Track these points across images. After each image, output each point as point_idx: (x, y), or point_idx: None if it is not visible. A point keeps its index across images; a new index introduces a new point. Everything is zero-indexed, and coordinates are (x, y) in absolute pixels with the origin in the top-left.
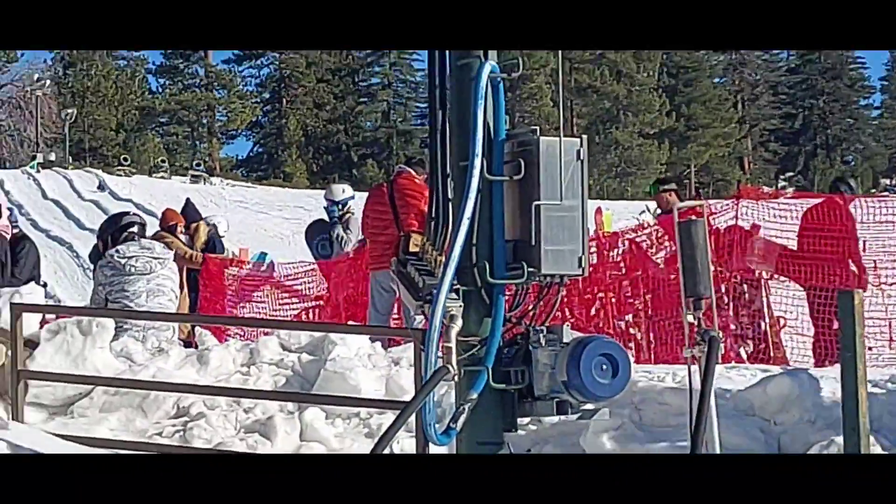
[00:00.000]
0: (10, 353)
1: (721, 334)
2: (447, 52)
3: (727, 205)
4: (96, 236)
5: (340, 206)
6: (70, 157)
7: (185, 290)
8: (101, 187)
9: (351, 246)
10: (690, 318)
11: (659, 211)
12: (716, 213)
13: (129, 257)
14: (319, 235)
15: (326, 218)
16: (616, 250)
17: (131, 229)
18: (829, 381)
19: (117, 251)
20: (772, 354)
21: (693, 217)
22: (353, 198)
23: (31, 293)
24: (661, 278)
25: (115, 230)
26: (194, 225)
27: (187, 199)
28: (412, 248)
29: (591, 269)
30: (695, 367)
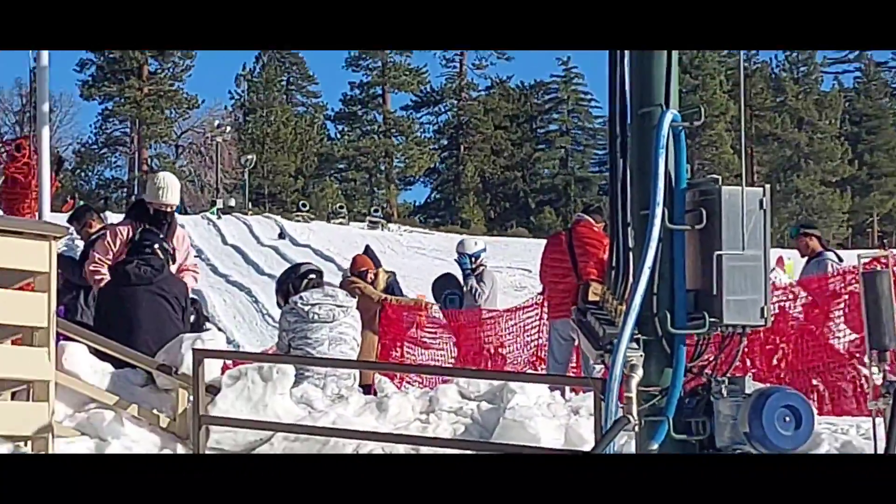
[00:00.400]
0: (191, 398)
1: None
2: (628, 100)
3: None
4: (275, 287)
5: (473, 259)
6: (249, 203)
7: (376, 335)
8: (282, 235)
9: (484, 299)
10: (875, 370)
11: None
12: None
13: (313, 304)
14: (447, 290)
15: (458, 271)
16: (798, 300)
17: (311, 276)
18: None
19: (301, 298)
20: None
21: (877, 267)
22: (485, 250)
23: (212, 339)
24: (842, 329)
25: (295, 278)
26: (374, 271)
27: (367, 246)
28: (591, 297)
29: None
30: (879, 420)
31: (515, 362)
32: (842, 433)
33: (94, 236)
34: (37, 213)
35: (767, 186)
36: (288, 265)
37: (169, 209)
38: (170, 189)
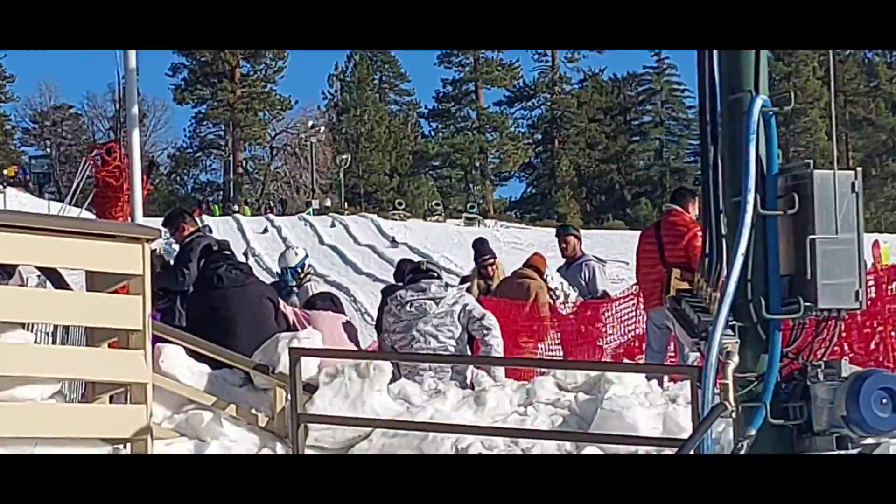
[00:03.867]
0: (289, 397)
1: None
2: (717, 87)
3: None
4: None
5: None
6: (345, 203)
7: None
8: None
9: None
10: None
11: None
12: None
13: (406, 302)
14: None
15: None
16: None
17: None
18: None
19: (396, 297)
20: None
21: None
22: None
23: (308, 338)
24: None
25: (403, 277)
26: (493, 262)
27: (481, 239)
28: (676, 284)
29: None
30: None
31: (614, 353)
32: None
33: (188, 239)
34: (129, 217)
35: (860, 170)
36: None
37: None
38: None
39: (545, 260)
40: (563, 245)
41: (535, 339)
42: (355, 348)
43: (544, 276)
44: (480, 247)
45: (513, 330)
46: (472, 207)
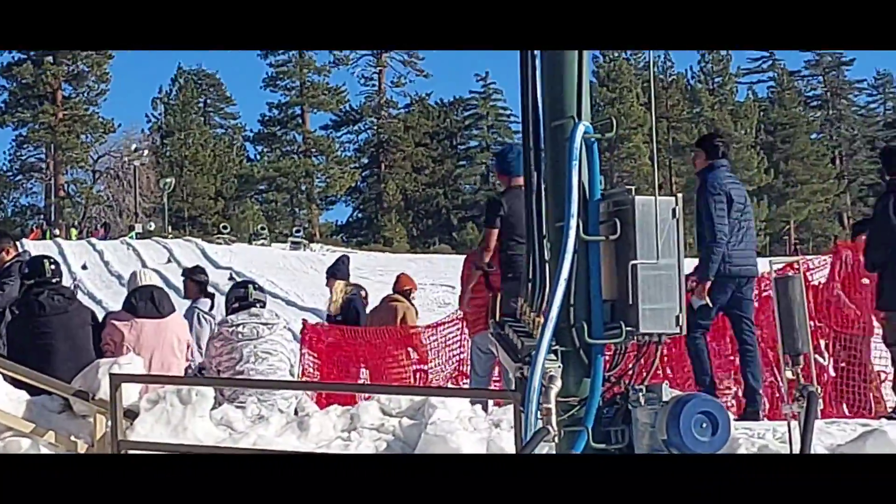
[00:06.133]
0: (110, 423)
1: (820, 390)
2: (540, 113)
3: (824, 260)
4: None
5: None
6: (169, 227)
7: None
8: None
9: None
10: (789, 374)
11: None
12: (813, 269)
13: (237, 325)
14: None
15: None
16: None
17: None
18: None
19: (225, 321)
20: (873, 409)
21: (790, 273)
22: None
23: (129, 363)
24: (761, 335)
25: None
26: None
27: (340, 259)
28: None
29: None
30: (794, 423)
31: (438, 378)
32: (758, 437)
33: (7, 264)
34: None
35: (681, 196)
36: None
37: None
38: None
39: (412, 280)
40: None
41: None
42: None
43: (411, 298)
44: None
45: (379, 355)
46: (297, 231)
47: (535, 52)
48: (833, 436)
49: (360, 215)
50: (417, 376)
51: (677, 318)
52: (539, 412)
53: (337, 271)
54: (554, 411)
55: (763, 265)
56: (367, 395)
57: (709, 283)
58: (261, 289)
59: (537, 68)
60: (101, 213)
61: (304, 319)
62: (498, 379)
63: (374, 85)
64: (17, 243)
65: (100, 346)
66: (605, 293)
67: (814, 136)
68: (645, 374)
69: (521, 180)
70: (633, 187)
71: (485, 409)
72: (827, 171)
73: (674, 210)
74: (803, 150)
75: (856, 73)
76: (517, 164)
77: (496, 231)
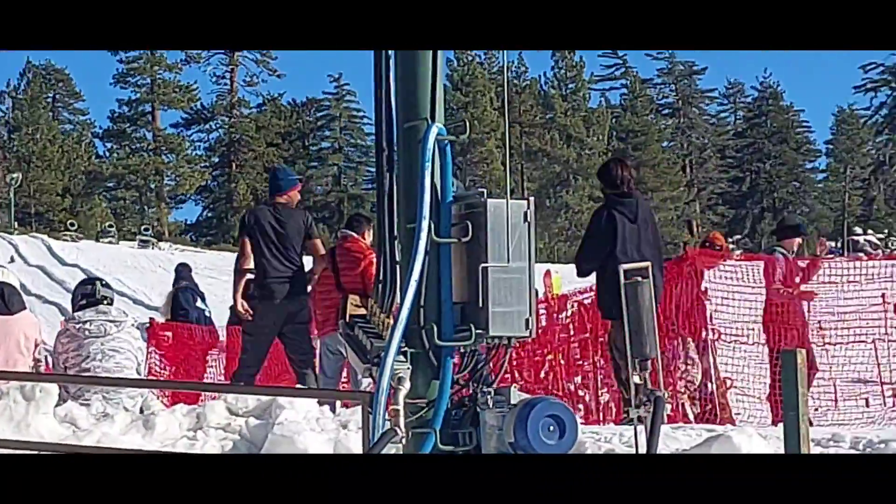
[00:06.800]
0: None
1: (667, 395)
2: (394, 114)
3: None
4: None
5: None
6: (15, 222)
7: None
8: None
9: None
10: (637, 378)
11: None
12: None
13: (84, 322)
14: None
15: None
16: (565, 312)
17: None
18: (774, 441)
19: (73, 318)
20: (718, 415)
21: (639, 279)
22: None
23: None
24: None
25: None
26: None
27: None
28: (351, 310)
29: (540, 331)
30: (641, 428)
31: (287, 378)
32: (605, 441)
33: None
34: None
35: (532, 199)
36: (55, 285)
37: None
38: None
39: None
40: None
41: None
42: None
43: None
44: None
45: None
46: (146, 230)
47: (389, 52)
48: (679, 441)
49: (209, 214)
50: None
51: (527, 321)
52: (387, 413)
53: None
54: (402, 413)
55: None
56: (213, 394)
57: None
58: (108, 286)
59: (391, 69)
60: None
61: (151, 318)
62: (347, 380)
63: (226, 84)
64: None
65: None
66: (455, 295)
67: (665, 143)
68: (494, 376)
69: (281, 197)
70: (485, 190)
71: (333, 409)
72: (677, 178)
73: (525, 214)
74: (654, 157)
75: (707, 82)
76: (279, 183)
77: (248, 240)
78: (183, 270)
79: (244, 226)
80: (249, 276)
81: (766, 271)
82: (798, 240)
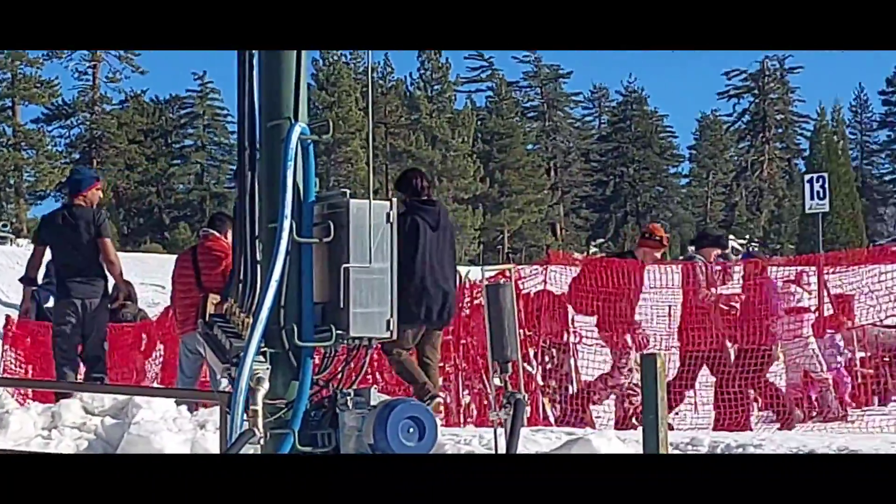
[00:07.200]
0: None
1: (527, 397)
2: (257, 113)
3: (536, 270)
4: None
5: None
6: None
7: None
8: None
9: None
10: (497, 381)
11: None
12: (525, 278)
13: None
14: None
15: None
16: None
17: None
18: (633, 444)
19: None
20: (579, 417)
21: (501, 281)
22: None
23: None
24: (472, 342)
25: None
26: None
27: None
28: (210, 309)
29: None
30: (501, 430)
31: (147, 377)
32: (465, 443)
33: None
34: None
35: (395, 200)
36: None
37: None
38: None
39: None
40: None
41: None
42: None
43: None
44: None
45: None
46: (4, 226)
47: (253, 52)
48: (539, 443)
49: None
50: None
51: (388, 322)
52: (245, 414)
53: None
54: (261, 413)
55: (475, 273)
56: (69, 392)
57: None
58: None
59: (255, 68)
60: None
61: (7, 315)
62: (207, 380)
63: (88, 80)
64: None
65: None
66: (316, 296)
67: (530, 146)
68: (354, 378)
69: (78, 198)
70: (347, 190)
71: (191, 409)
72: (541, 181)
73: (388, 214)
74: (519, 160)
75: (573, 85)
76: (77, 184)
77: (39, 248)
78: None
79: (37, 233)
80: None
81: (687, 278)
82: (717, 251)
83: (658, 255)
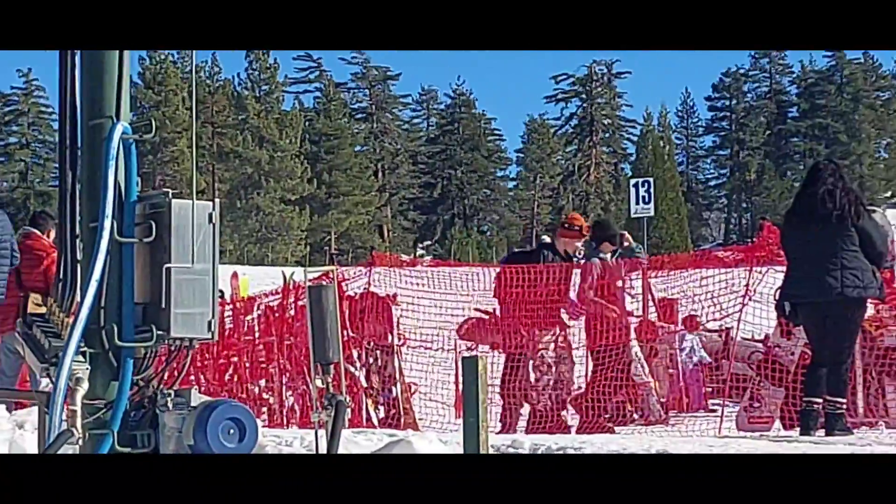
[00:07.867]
0: None
1: (350, 399)
2: (78, 112)
3: (361, 271)
4: None
5: None
6: None
7: None
8: None
9: None
10: (319, 382)
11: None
12: (349, 280)
13: None
14: None
15: None
16: (251, 315)
17: None
18: (454, 446)
19: None
20: (402, 419)
21: (325, 282)
22: None
23: None
24: (296, 344)
25: None
26: None
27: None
28: (32, 309)
29: (226, 333)
30: (322, 432)
31: None
32: (286, 445)
33: None
34: None
35: (218, 201)
36: None
37: None
38: None
39: None
40: None
41: None
42: None
43: None
44: None
45: None
46: None
47: (75, 50)
48: (360, 445)
49: None
50: None
51: (209, 323)
52: (64, 414)
53: None
54: (79, 414)
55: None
56: None
57: None
58: None
59: (76, 66)
60: None
61: None
62: (28, 380)
63: None
64: None
65: None
66: (137, 296)
67: (358, 148)
68: (175, 378)
69: None
70: (170, 190)
71: (9, 410)
72: (369, 183)
73: (210, 215)
74: (347, 161)
75: (401, 87)
76: None
77: None
78: None
79: None
80: None
81: (584, 279)
82: (614, 246)
83: (579, 244)
